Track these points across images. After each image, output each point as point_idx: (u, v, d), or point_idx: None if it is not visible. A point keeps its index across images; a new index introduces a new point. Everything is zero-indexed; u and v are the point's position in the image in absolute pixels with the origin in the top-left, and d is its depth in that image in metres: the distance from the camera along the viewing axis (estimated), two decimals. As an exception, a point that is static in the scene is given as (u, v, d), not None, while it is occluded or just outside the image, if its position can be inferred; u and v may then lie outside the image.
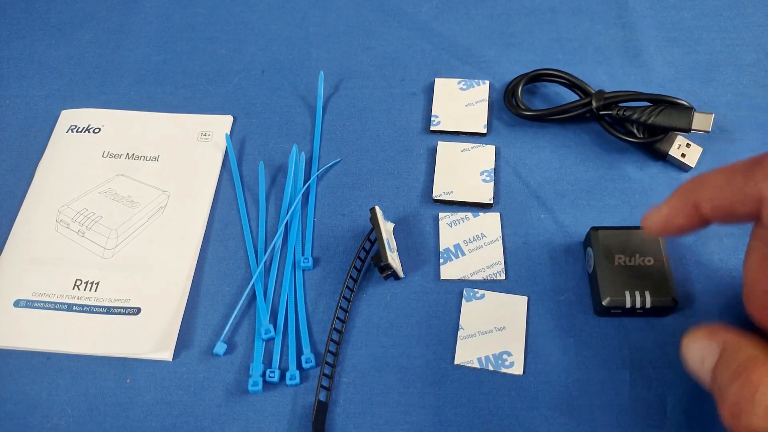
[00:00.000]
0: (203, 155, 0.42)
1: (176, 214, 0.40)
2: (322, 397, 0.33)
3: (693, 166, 0.40)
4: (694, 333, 0.27)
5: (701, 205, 0.27)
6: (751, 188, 0.25)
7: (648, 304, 0.33)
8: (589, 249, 0.36)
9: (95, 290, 0.37)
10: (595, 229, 0.36)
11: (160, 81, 0.46)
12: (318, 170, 0.41)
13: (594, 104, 0.40)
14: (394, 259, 0.35)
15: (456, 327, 0.35)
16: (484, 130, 0.42)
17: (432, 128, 0.43)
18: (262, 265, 0.37)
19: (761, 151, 0.40)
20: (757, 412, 0.22)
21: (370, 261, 0.37)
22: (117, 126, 0.44)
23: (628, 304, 0.33)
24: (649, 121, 0.39)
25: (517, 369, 0.34)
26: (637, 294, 0.33)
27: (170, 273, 0.38)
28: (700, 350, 0.26)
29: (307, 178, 0.41)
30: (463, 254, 0.38)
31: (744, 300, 0.28)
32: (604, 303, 0.34)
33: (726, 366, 0.25)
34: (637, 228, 0.35)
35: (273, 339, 0.35)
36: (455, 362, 0.34)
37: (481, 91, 0.44)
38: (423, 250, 0.38)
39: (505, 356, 0.34)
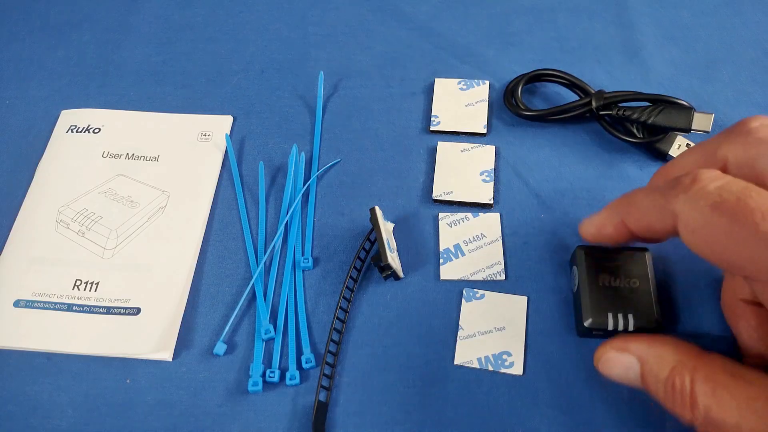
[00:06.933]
0: (203, 155, 0.42)
1: (176, 214, 0.40)
2: (322, 397, 0.33)
3: (693, 165, 0.40)
4: (607, 351, 0.30)
5: (627, 221, 0.30)
6: (666, 207, 0.27)
7: (631, 327, 0.32)
8: (575, 268, 0.35)
9: (95, 290, 0.37)
10: (581, 247, 0.35)
11: (160, 81, 0.46)
12: (318, 170, 0.41)
13: (594, 104, 0.40)
14: (394, 259, 0.35)
15: (456, 327, 0.35)
16: (484, 130, 0.42)
17: (432, 128, 0.43)
18: (262, 265, 0.37)
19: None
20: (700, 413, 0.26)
21: (370, 261, 0.37)
22: (117, 126, 0.44)
23: (611, 327, 0.32)
24: (649, 121, 0.39)
25: (517, 369, 0.34)
26: (620, 316, 0.32)
27: (170, 273, 0.38)
28: (621, 364, 0.29)
29: (307, 178, 0.41)
30: (463, 254, 0.38)
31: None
32: (585, 324, 0.33)
33: (654, 378, 0.28)
34: (625, 249, 0.35)
35: (273, 339, 0.35)
36: (455, 362, 0.34)
37: (481, 91, 0.44)
38: (423, 250, 0.38)
39: (505, 356, 0.34)
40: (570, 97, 0.43)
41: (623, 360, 0.29)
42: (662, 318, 0.33)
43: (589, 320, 0.33)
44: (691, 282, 0.36)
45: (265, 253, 0.38)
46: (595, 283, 0.33)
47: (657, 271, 0.36)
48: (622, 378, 0.30)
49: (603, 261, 0.34)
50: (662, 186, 0.28)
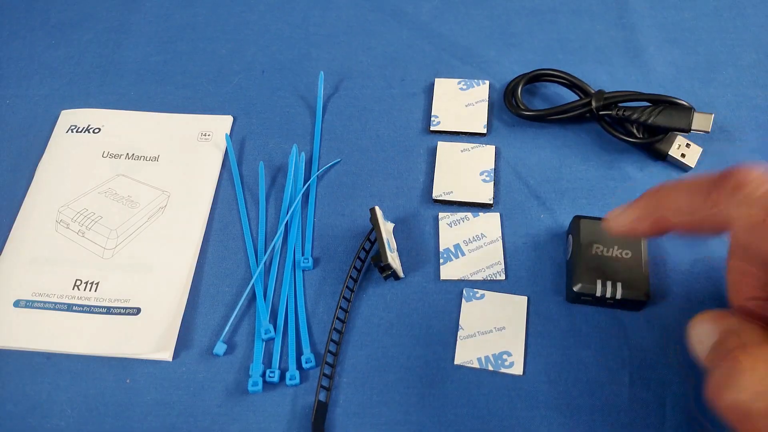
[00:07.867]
0: (203, 155, 0.42)
1: (176, 214, 0.40)
2: (322, 397, 0.33)
3: (693, 166, 0.40)
4: (702, 316, 0.28)
5: (667, 220, 0.28)
6: (715, 212, 0.25)
7: (618, 296, 0.33)
8: (570, 236, 0.36)
9: (95, 290, 0.37)
10: (578, 217, 0.36)
11: (160, 81, 0.46)
12: (318, 170, 0.41)
13: (594, 104, 0.40)
14: (394, 259, 0.35)
15: (456, 327, 0.35)
16: (484, 130, 0.42)
17: (432, 128, 0.43)
18: (262, 265, 0.37)
19: (761, 152, 0.41)
20: (742, 393, 0.23)
21: (370, 261, 0.37)
22: (117, 126, 0.44)
23: (599, 293, 0.33)
24: (649, 121, 0.39)
25: (517, 369, 0.34)
26: (609, 284, 0.33)
27: (170, 273, 0.38)
28: (702, 332, 0.27)
29: (307, 178, 0.41)
30: (463, 254, 0.38)
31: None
32: (575, 289, 0.34)
33: (722, 347, 0.25)
34: None
35: (273, 339, 0.35)
36: (455, 362, 0.34)
37: (481, 91, 0.44)
38: (423, 250, 0.38)
39: (505, 356, 0.34)
40: (570, 97, 0.43)
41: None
42: (651, 291, 0.34)
43: (579, 285, 0.34)
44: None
45: (265, 253, 0.38)
46: (589, 252, 0.35)
47: (651, 245, 0.36)
48: (698, 345, 0.27)
49: (598, 231, 0.35)
50: (702, 186, 0.26)
